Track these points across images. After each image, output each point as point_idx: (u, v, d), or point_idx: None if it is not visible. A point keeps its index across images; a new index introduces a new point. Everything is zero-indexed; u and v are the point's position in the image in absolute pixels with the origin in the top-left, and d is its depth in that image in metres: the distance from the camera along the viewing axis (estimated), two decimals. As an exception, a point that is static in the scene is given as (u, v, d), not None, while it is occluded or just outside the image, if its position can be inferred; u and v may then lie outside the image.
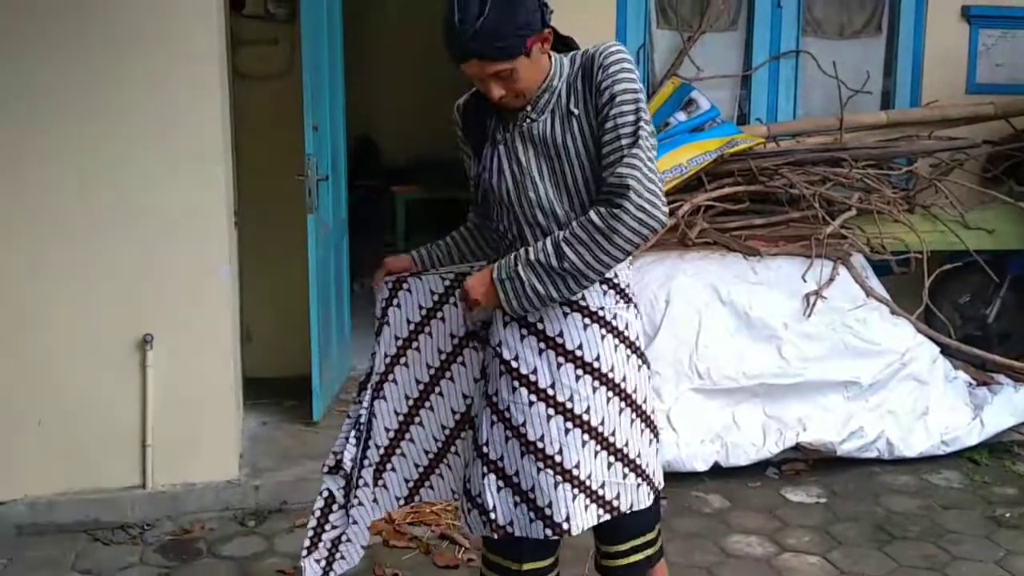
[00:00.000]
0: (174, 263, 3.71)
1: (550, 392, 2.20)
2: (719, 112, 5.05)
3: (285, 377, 4.99)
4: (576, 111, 2.13)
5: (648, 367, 2.32)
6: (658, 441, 2.34)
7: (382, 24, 7.66)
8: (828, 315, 4.55)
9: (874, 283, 4.86)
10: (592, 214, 2.06)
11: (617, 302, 2.23)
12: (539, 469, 2.19)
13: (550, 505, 2.19)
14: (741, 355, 4.37)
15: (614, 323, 2.22)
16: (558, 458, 2.19)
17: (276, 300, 5.03)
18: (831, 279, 4.66)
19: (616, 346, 2.22)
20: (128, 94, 3.59)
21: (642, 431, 2.28)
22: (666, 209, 2.08)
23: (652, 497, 2.31)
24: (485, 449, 2.26)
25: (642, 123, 2.07)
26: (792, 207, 4.88)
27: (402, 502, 2.61)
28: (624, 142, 2.07)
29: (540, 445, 2.19)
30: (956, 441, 4.43)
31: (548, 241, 2.09)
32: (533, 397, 2.20)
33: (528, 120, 2.17)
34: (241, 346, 4.72)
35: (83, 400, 3.70)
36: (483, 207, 2.38)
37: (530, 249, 2.11)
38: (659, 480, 2.35)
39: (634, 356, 2.26)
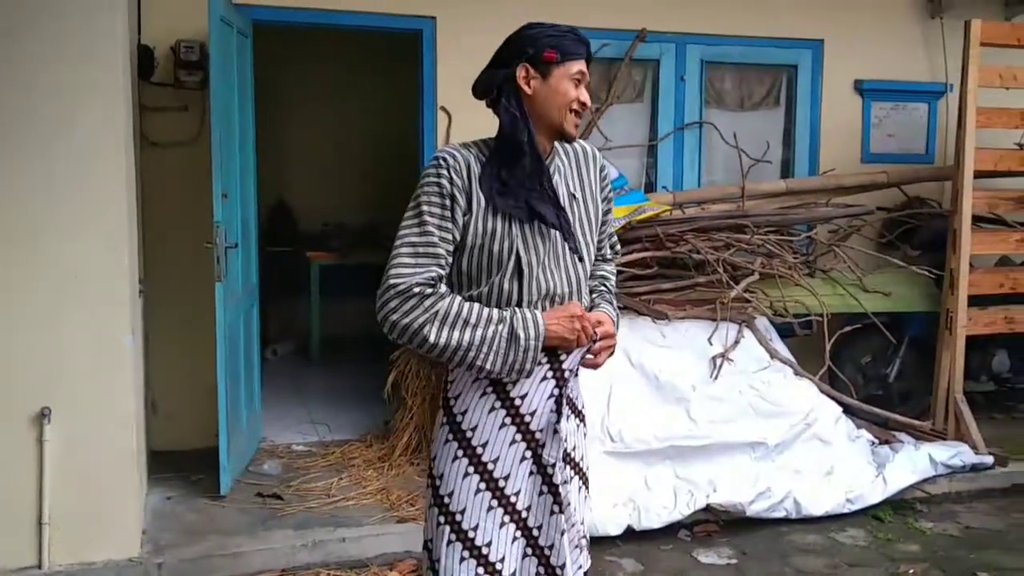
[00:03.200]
0: (74, 332, 3.60)
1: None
2: (627, 180, 5.19)
3: (192, 449, 4.90)
4: (576, 195, 2.28)
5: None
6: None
7: (295, 91, 7.68)
8: (734, 377, 4.66)
9: (778, 345, 5.00)
10: (611, 270, 2.46)
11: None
12: (502, 524, 2.22)
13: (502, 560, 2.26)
14: (652, 418, 4.43)
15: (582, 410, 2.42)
16: (525, 513, 2.23)
17: (183, 370, 4.94)
18: (736, 342, 4.78)
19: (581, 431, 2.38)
20: (25, 156, 3.51)
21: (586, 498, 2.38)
22: None
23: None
24: None
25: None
26: (698, 272, 5.01)
27: None
28: (611, 230, 2.47)
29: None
30: (860, 499, 4.54)
31: (607, 290, 2.40)
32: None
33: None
34: (146, 418, 4.61)
35: (-26, 477, 3.54)
36: (465, 271, 2.20)
37: (602, 292, 2.38)
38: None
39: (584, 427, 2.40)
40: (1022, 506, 4.75)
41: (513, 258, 2.15)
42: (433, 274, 2.12)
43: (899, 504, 4.66)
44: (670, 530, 4.30)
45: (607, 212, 2.40)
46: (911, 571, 3.99)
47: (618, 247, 2.56)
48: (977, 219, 5.36)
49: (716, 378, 4.61)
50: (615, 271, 2.52)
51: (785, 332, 5.15)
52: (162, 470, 4.67)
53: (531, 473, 2.21)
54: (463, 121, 5.26)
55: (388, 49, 7.37)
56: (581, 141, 2.34)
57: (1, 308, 3.53)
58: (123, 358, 3.71)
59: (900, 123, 6.16)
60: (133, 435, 3.77)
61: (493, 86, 2.19)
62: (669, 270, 5.04)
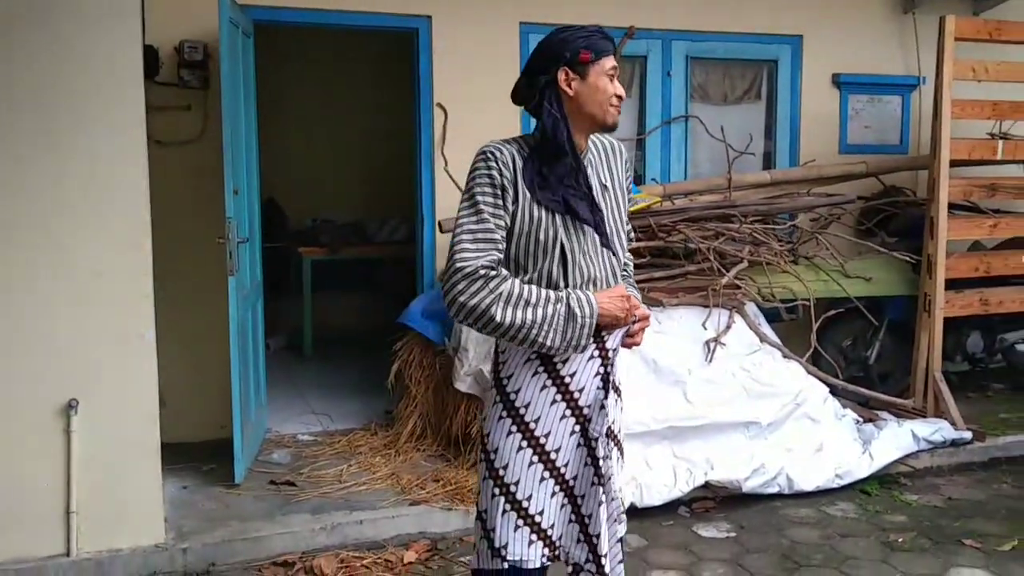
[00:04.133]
0: (99, 327, 3.72)
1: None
2: (618, 173, 5.36)
3: (200, 441, 5.03)
4: (608, 185, 2.45)
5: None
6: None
7: (284, 89, 7.78)
8: (727, 360, 4.85)
9: (766, 329, 5.20)
10: (630, 257, 2.66)
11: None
12: (552, 493, 2.41)
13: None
14: (650, 400, 4.61)
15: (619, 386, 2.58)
16: (572, 482, 2.44)
17: (188, 364, 5.05)
18: (728, 327, 4.98)
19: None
20: (53, 161, 3.63)
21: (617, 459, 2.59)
22: None
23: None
24: None
25: None
26: (689, 260, 5.20)
27: None
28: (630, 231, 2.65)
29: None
30: (849, 474, 4.76)
31: (629, 274, 2.59)
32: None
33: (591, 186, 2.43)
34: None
35: (4, 468, 3.63)
36: (514, 257, 2.35)
37: (625, 276, 2.56)
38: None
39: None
40: (1000, 478, 5.01)
41: (558, 246, 2.31)
42: (494, 257, 2.27)
43: (885, 478, 4.89)
44: (670, 507, 4.49)
45: (628, 203, 2.58)
46: (900, 540, 4.20)
47: (632, 234, 2.74)
48: (952, 206, 5.60)
49: (710, 361, 4.80)
50: (632, 257, 2.70)
51: (772, 317, 5.36)
52: (173, 461, 4.75)
53: (578, 445, 2.37)
54: (459, 118, 5.41)
55: (379, 47, 7.52)
56: (607, 136, 2.51)
57: (30, 305, 3.63)
58: (146, 352, 3.82)
59: (876, 115, 6.40)
60: (156, 426, 3.88)
61: (535, 92, 2.35)
62: (661, 259, 5.23)
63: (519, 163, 2.32)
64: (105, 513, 3.78)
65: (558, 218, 2.32)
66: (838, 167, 5.95)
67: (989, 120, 5.76)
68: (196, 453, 4.89)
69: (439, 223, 5.22)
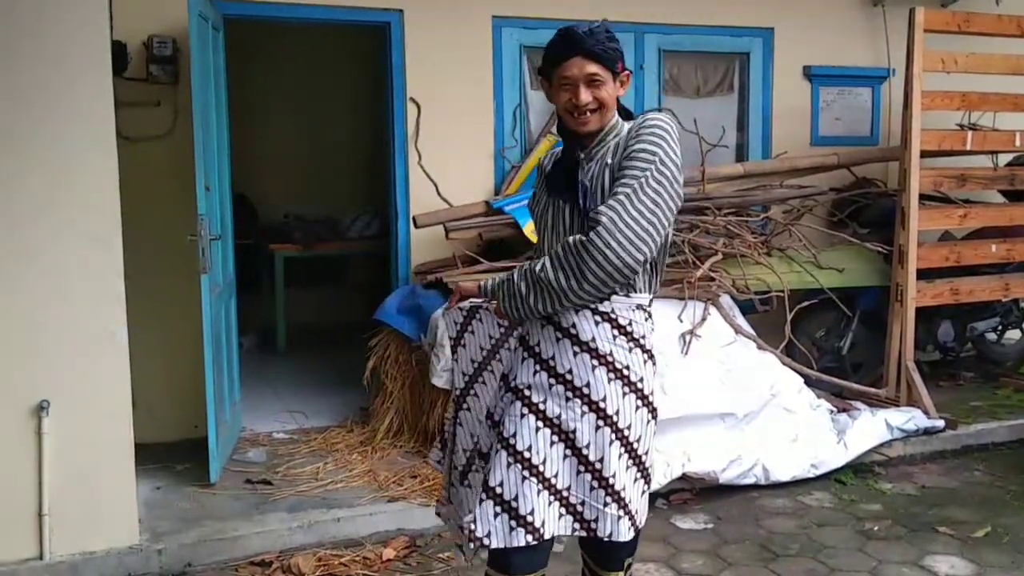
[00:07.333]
0: (71, 327, 3.66)
1: (541, 407, 2.42)
2: (593, 166, 5.36)
3: (174, 441, 4.98)
4: (610, 162, 2.37)
5: (654, 416, 2.49)
6: (647, 485, 2.52)
7: (254, 84, 7.70)
8: (703, 353, 4.87)
9: (741, 321, 5.23)
10: (571, 238, 2.28)
11: (630, 349, 2.41)
12: (524, 478, 2.38)
13: (532, 512, 2.37)
14: (627, 394, 4.61)
15: (617, 366, 2.40)
16: (541, 467, 2.39)
17: (161, 363, 5.00)
18: (703, 319, 5.00)
19: (616, 384, 2.40)
20: (22, 158, 3.56)
21: (628, 467, 2.44)
22: (641, 254, 2.21)
23: (632, 533, 2.48)
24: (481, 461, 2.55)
25: (649, 177, 2.23)
26: (664, 253, 5.20)
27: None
28: (620, 187, 2.25)
29: (527, 455, 2.39)
30: (824, 464, 4.79)
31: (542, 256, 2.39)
32: (525, 410, 2.43)
33: (580, 169, 2.42)
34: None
35: (-26, 471, 3.58)
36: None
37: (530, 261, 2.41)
38: (641, 520, 2.51)
39: (636, 399, 2.43)
40: (972, 466, 5.07)
41: (540, 221, 2.52)
42: None
43: (859, 467, 4.93)
44: (648, 499, 4.48)
45: (623, 169, 2.29)
46: (875, 528, 4.24)
47: (593, 219, 2.26)
48: (923, 197, 5.65)
49: (686, 354, 4.82)
50: (574, 241, 2.27)
51: (746, 308, 5.39)
52: (146, 461, 4.68)
53: (520, 415, 2.45)
54: (432, 112, 5.38)
55: (352, 41, 7.46)
56: (654, 115, 2.40)
57: (0, 305, 3.57)
58: (118, 351, 3.76)
59: (846, 107, 6.44)
60: (128, 426, 3.83)
61: None
62: (636, 252, 5.22)
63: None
64: (78, 515, 3.73)
65: (544, 197, 2.51)
66: (810, 159, 5.98)
67: (958, 111, 5.82)
68: (170, 453, 4.84)
69: (414, 218, 5.19)
